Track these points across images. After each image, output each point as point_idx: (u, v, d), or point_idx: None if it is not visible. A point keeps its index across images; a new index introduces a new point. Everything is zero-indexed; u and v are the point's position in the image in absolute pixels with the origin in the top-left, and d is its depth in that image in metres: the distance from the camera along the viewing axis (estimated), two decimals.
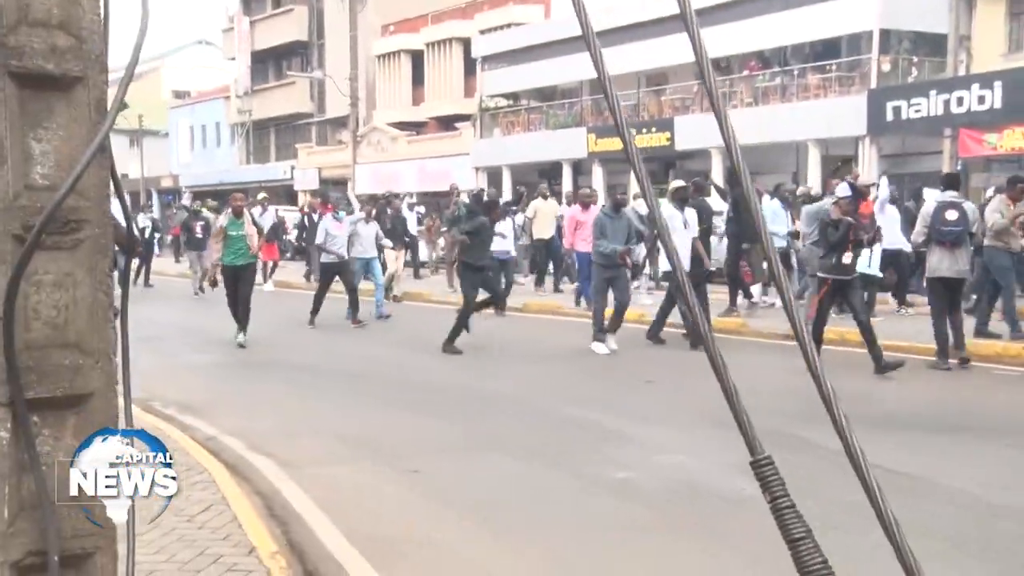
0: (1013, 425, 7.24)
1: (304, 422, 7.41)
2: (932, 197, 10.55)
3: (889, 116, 23.43)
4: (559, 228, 18.08)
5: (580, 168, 31.38)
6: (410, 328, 13.31)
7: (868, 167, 23.27)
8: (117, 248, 5.23)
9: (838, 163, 14.56)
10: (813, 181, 24.01)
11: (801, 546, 1.13)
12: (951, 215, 9.31)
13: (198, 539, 4.43)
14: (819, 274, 9.40)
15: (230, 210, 11.65)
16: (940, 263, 9.30)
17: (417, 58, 38.50)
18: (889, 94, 23.79)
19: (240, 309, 11.37)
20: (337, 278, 13.71)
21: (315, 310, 13.40)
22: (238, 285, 11.37)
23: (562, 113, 33.07)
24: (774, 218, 13.50)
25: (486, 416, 7.64)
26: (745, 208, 12.93)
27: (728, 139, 1.47)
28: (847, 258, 9.09)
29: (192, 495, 5.13)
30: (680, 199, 11.41)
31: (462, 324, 10.93)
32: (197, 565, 4.12)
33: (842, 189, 9.62)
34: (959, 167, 22.87)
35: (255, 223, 11.66)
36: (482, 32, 35.19)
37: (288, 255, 27.48)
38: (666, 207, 11.32)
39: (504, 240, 15.31)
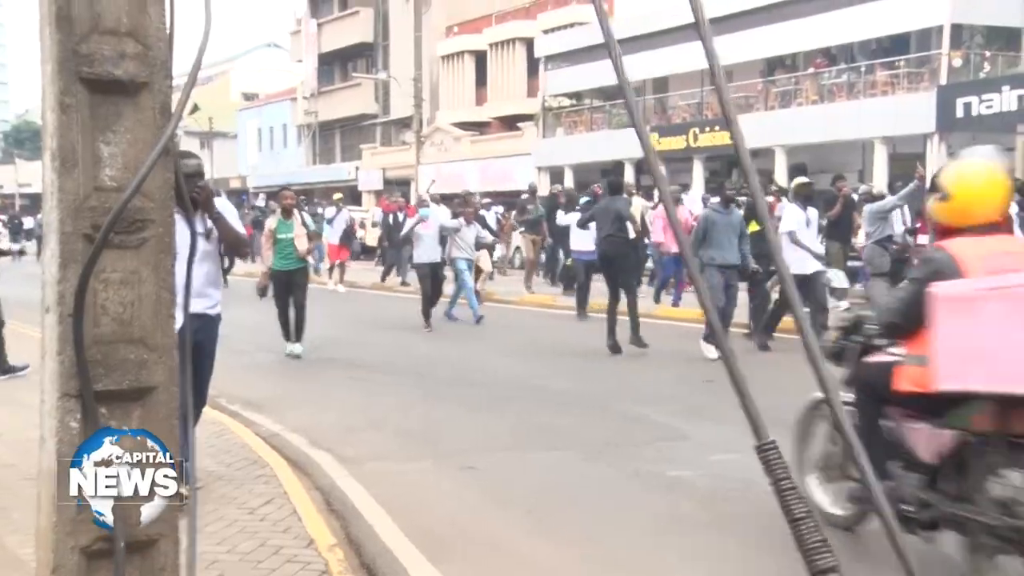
0: None
1: (366, 419, 7.53)
2: None
3: (960, 112, 22.90)
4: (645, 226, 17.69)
5: (642, 167, 31.22)
6: (476, 328, 13.40)
7: (937, 165, 22.78)
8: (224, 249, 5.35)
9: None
10: (880, 180, 23.59)
11: (802, 525, 1.20)
12: None
13: (259, 531, 4.55)
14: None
15: (279, 210, 10.59)
16: None
17: (480, 58, 38.70)
18: (960, 90, 23.24)
19: (295, 317, 10.57)
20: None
21: (426, 312, 13.18)
22: (291, 292, 10.48)
23: (625, 112, 32.98)
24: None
25: (543, 413, 7.68)
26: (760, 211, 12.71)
27: (737, 141, 1.51)
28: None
29: (255, 488, 5.26)
30: (804, 196, 10.94)
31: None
32: (258, 556, 4.22)
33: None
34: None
35: (304, 223, 10.71)
36: (545, 32, 35.23)
37: (360, 255, 27.82)
38: (790, 205, 11.03)
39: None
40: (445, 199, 21.62)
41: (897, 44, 25.56)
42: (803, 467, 4.77)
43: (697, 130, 28.84)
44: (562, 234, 16.54)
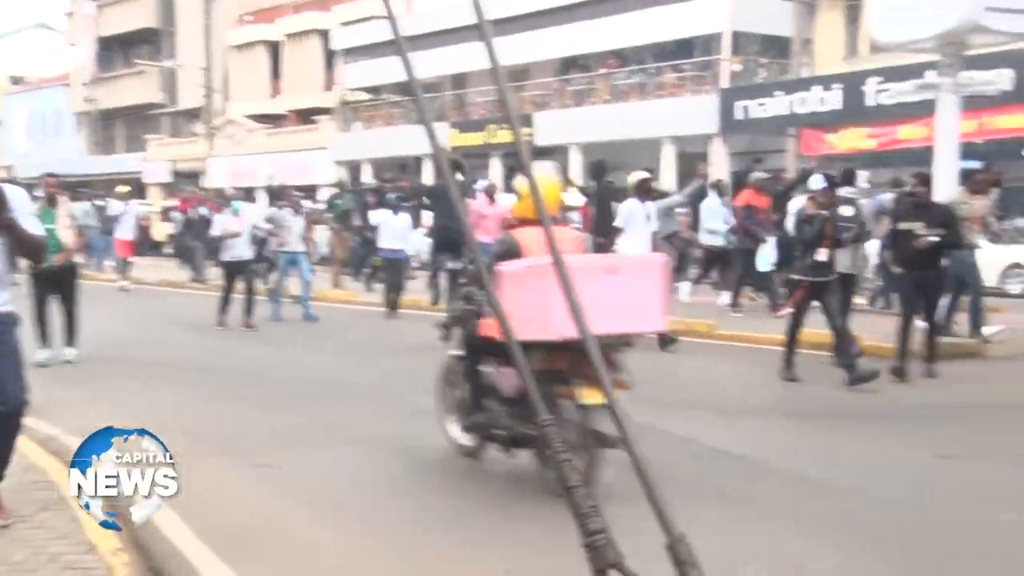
0: (833, 408, 7.71)
1: (152, 420, 7.16)
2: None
3: (739, 115, 24.43)
4: None
5: (516, 162, 31.46)
6: (275, 327, 13.06)
7: (720, 164, 24.19)
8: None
9: (754, 160, 14.79)
10: (669, 178, 24.81)
11: (575, 493, 1.30)
12: (847, 211, 9.33)
13: (34, 539, 4.26)
14: (794, 276, 8.76)
15: (45, 198, 9.22)
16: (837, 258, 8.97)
17: (274, 49, 37.73)
18: (739, 94, 24.80)
19: (66, 320, 9.64)
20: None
21: (223, 309, 12.59)
22: (58, 290, 9.52)
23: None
24: (712, 215, 13.32)
25: (341, 409, 7.61)
26: (601, 204, 13.20)
27: (517, 136, 1.59)
28: (822, 256, 8.44)
29: (29, 495, 4.92)
30: (644, 191, 10.99)
31: None
32: (31, 565, 3.96)
33: (816, 181, 8.85)
34: (803, 165, 24.04)
35: (72, 215, 9.74)
36: (343, 24, 34.77)
37: (148, 250, 26.43)
38: (629, 200, 10.99)
39: None
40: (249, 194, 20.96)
41: (684, 48, 26.95)
42: (444, 412, 6.03)
43: (495, 126, 29.30)
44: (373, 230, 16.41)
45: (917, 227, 8.57)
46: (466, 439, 5.86)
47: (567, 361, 4.85)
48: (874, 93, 21.33)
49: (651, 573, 1.36)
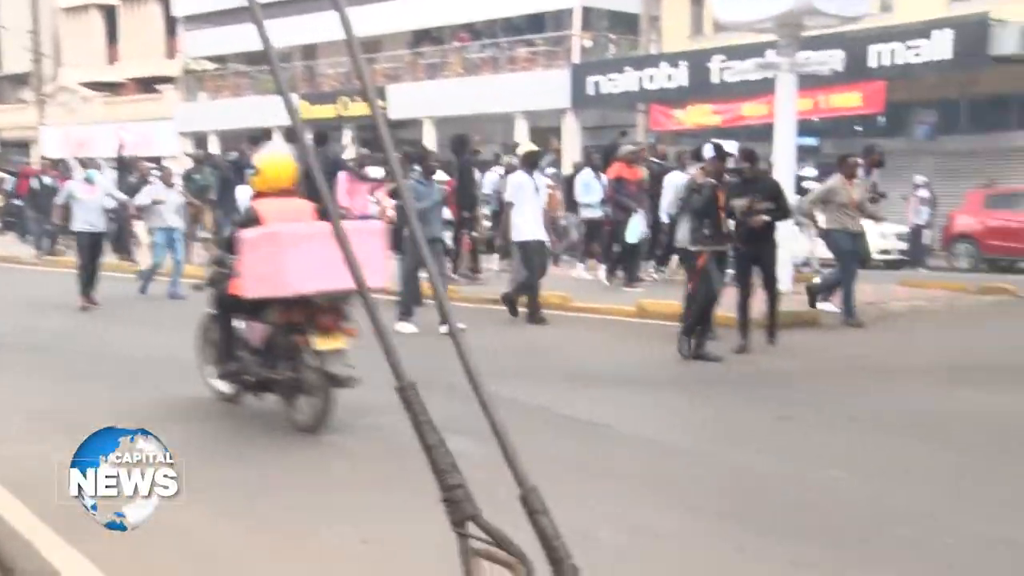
0: (682, 376, 8.04)
1: None
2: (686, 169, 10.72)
3: (590, 90, 24.85)
4: None
5: (293, 136, 30.75)
6: (134, 303, 12.51)
7: (572, 139, 24.63)
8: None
9: (620, 133, 14.64)
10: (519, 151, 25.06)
11: (434, 451, 1.35)
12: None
13: None
14: (692, 247, 8.42)
15: None
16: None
17: (109, 13, 35.93)
18: (590, 69, 25.22)
19: None
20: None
21: (89, 283, 11.76)
22: None
23: (271, 79, 32.22)
24: (587, 189, 13.28)
25: (187, 385, 7.41)
26: (464, 177, 13.21)
27: (375, 111, 1.62)
28: (722, 226, 8.39)
29: None
30: (531, 164, 10.78)
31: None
32: None
33: (707, 150, 8.69)
34: (652, 140, 24.73)
35: None
36: None
37: None
38: (518, 173, 10.83)
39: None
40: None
41: (536, 23, 27.19)
42: (203, 363, 6.70)
43: (347, 99, 28.85)
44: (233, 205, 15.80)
45: (747, 203, 8.61)
46: (224, 387, 6.53)
47: (302, 314, 5.72)
48: (718, 71, 22.05)
49: (506, 524, 1.41)
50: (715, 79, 22.20)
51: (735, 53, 20.28)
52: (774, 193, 8.85)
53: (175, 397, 7.05)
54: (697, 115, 23.69)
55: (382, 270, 6.20)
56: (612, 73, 24.54)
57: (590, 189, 13.33)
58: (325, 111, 28.96)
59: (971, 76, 20.81)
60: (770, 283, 8.92)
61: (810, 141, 20.60)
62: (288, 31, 26.61)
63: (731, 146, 9.06)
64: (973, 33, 19.25)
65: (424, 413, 1.44)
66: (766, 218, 8.59)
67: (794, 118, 12.16)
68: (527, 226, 10.31)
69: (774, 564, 4.01)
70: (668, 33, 25.97)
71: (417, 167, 10.39)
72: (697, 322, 8.32)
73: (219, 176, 17.68)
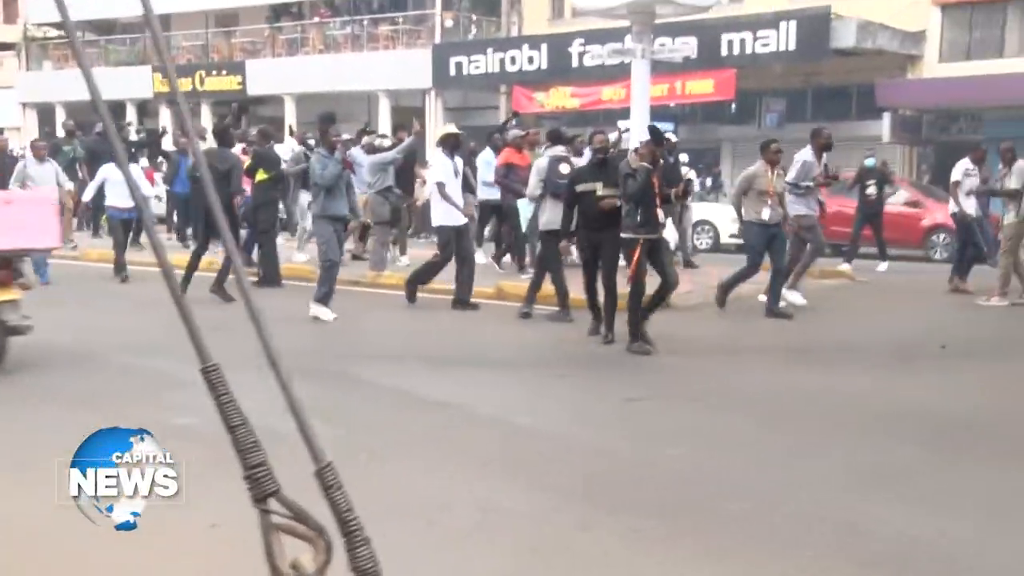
0: (540, 358, 8.18)
1: None
2: (547, 152, 10.44)
3: (452, 71, 24.83)
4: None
5: (146, 109, 29.55)
6: None
7: (434, 119, 24.55)
8: None
9: (511, 116, 13.78)
10: (384, 131, 24.84)
11: (237, 431, 1.37)
12: (564, 169, 9.54)
13: None
14: (626, 234, 8.09)
15: None
16: (555, 216, 9.05)
17: None
18: (452, 50, 25.18)
19: None
20: None
21: None
22: None
23: (123, 49, 30.80)
24: (488, 169, 12.97)
25: (43, 369, 7.09)
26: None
27: (174, 87, 1.58)
28: (657, 214, 8.05)
29: None
30: (451, 146, 10.34)
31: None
32: None
33: (642, 132, 8.36)
34: (514, 122, 24.88)
35: None
36: None
37: None
38: (437, 154, 10.47)
39: None
40: None
41: (397, 1, 26.92)
42: None
43: (203, 72, 27.93)
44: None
45: (596, 187, 8.26)
46: None
47: None
48: (578, 55, 22.39)
49: (307, 499, 1.44)
50: (575, 63, 22.54)
51: (594, 37, 20.64)
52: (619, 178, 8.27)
53: (23, 384, 6.72)
54: (558, 98, 24.01)
55: (53, 232, 7.11)
56: (474, 54, 24.60)
57: (491, 169, 12.95)
58: (181, 84, 27.90)
59: (815, 67, 21.83)
60: (608, 273, 8.41)
61: (667, 126, 21.16)
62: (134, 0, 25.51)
63: (666, 128, 8.59)
64: (816, 26, 20.16)
65: (227, 394, 1.45)
66: (617, 203, 8.17)
67: (647, 103, 12.47)
68: (451, 211, 10.08)
69: (612, 537, 4.14)
70: (529, 16, 26.16)
71: (312, 141, 10.25)
72: (641, 315, 8.04)
73: (90, 150, 16.79)
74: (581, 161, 10.34)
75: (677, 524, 4.32)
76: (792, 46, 20.39)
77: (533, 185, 9.89)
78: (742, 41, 21.02)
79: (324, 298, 9.41)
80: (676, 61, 13.79)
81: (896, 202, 18.03)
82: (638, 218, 7.97)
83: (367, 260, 12.96)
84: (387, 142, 13.67)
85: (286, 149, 14.70)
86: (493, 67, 24.31)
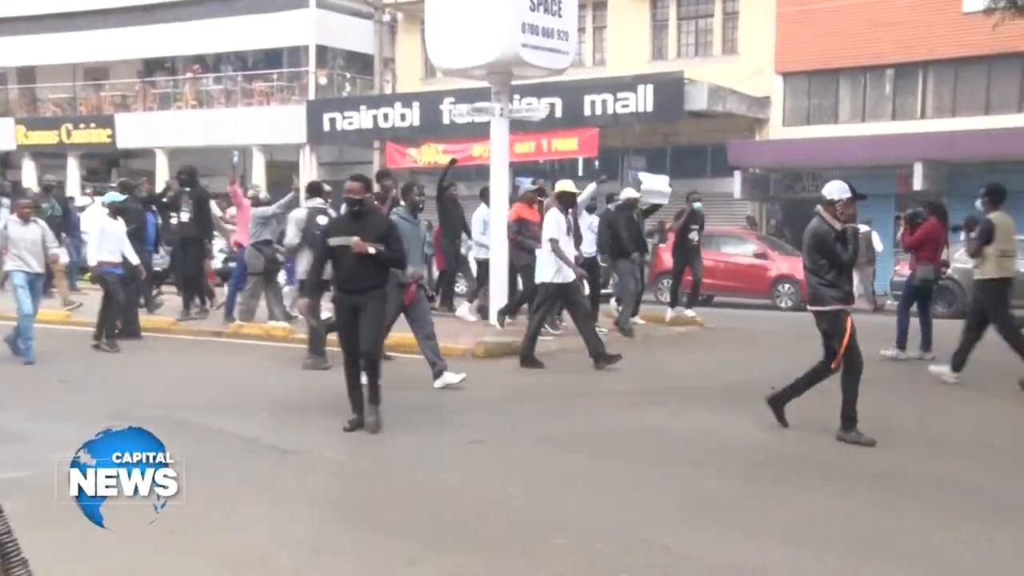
0: (389, 404, 8.21)
1: None
2: (306, 204, 10.34)
3: (326, 127, 24.82)
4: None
5: (8, 162, 28.45)
6: None
7: (308, 174, 24.39)
8: None
9: (603, 176, 12.92)
10: (260, 184, 24.56)
11: None
12: (323, 220, 9.51)
13: None
14: (831, 307, 6.64)
15: None
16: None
17: None
18: (326, 106, 25.20)
19: None
20: None
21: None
22: None
23: None
24: (486, 228, 12.61)
25: None
26: (200, 207, 12.72)
27: None
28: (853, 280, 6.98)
29: None
30: (568, 203, 9.95)
31: None
32: None
33: (839, 189, 6.67)
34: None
35: None
36: None
37: None
38: (552, 212, 9.85)
39: None
40: None
41: (272, 58, 26.84)
42: None
43: (70, 125, 27.12)
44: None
45: (352, 242, 6.80)
46: None
47: None
48: (448, 112, 22.70)
49: None
50: (446, 119, 22.83)
51: (463, 96, 20.98)
52: (383, 233, 6.96)
53: None
54: (429, 154, 24.24)
55: None
56: (348, 111, 24.67)
57: (488, 228, 12.67)
58: (47, 137, 27.09)
59: (672, 127, 22.75)
60: (372, 343, 6.94)
61: (526, 182, 21.59)
62: (3, 51, 24.72)
63: (840, 188, 6.71)
64: (671, 89, 21.07)
65: None
66: (372, 251, 6.78)
67: (507, 159, 12.75)
68: (563, 269, 9.75)
69: (435, 574, 4.20)
70: (402, 75, 26.46)
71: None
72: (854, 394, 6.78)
73: (64, 207, 16.00)
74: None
75: (501, 559, 4.40)
76: (650, 107, 21.20)
77: (291, 235, 9.88)
78: (604, 102, 21.73)
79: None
80: (535, 120, 14.16)
81: (746, 254, 18.87)
82: (845, 286, 6.73)
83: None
84: (263, 194, 13.28)
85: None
86: (366, 123, 24.42)
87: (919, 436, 7.07)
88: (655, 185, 13.20)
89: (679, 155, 23.95)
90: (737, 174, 22.00)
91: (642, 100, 21.29)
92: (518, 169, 22.20)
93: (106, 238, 10.99)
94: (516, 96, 18.89)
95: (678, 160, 23.99)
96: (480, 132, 20.34)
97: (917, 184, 20.24)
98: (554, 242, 9.65)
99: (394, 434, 7.02)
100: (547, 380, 9.32)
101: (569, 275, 9.75)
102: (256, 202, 12.62)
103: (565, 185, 10.19)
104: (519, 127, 18.50)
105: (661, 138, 23.50)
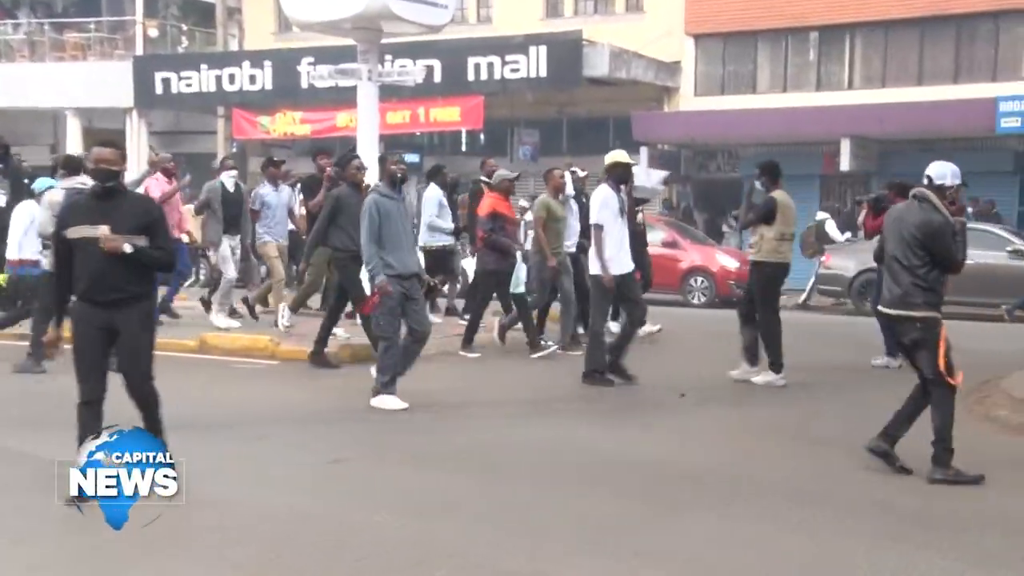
0: (230, 418, 8.16)
1: None
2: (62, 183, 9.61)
3: (158, 88, 24.26)
4: None
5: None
6: None
7: (137, 145, 23.82)
8: None
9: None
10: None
11: None
12: None
13: None
14: (929, 312, 6.47)
15: None
16: None
17: None
18: (157, 63, 24.63)
19: None
20: None
21: None
22: None
23: None
24: (440, 209, 12.42)
25: None
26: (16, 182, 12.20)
27: None
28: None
29: None
30: (620, 179, 9.58)
31: None
32: None
33: (952, 172, 6.63)
34: (234, 148, 24.64)
35: None
36: None
37: None
38: (601, 189, 9.49)
39: None
40: None
41: (88, 4, 26.05)
42: None
43: None
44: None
45: (101, 233, 5.57)
46: None
47: None
48: (307, 75, 22.41)
49: None
50: (304, 83, 22.57)
51: (325, 56, 20.76)
52: (143, 222, 5.76)
53: None
54: (285, 123, 24.01)
55: None
56: (185, 70, 24.15)
57: (444, 210, 12.45)
58: None
59: (569, 96, 23.08)
60: (139, 378, 5.82)
61: (412, 158, 21.61)
62: None
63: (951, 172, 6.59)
64: (567, 52, 21.37)
65: None
66: (128, 248, 5.59)
67: (376, 131, 12.76)
68: (617, 257, 9.44)
69: None
70: (251, 29, 26.09)
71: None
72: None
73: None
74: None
75: None
76: (543, 72, 21.44)
77: (45, 222, 8.97)
78: (490, 65, 21.88)
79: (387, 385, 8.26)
80: (409, 85, 14.20)
81: (653, 243, 19.27)
82: (940, 290, 6.59)
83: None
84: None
85: None
86: (208, 85, 23.95)
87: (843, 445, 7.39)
88: (648, 183, 12.91)
89: (577, 128, 24.33)
90: (643, 151, 22.45)
91: (534, 64, 21.52)
92: (390, 143, 22.22)
93: None
94: (387, 57, 18.89)
95: (576, 134, 24.36)
96: (345, 99, 20.21)
97: (844, 164, 21.04)
98: (597, 229, 9.30)
99: (245, 453, 6.98)
100: (428, 388, 9.39)
101: (624, 264, 9.42)
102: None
103: (617, 156, 9.68)
104: (391, 94, 18.52)
105: (556, 108, 23.83)
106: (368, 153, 12.42)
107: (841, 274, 16.93)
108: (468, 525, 5.48)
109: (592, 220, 9.43)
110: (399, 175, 8.46)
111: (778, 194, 9.54)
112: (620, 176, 9.53)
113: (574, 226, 11.44)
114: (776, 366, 9.48)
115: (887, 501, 5.99)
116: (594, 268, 9.43)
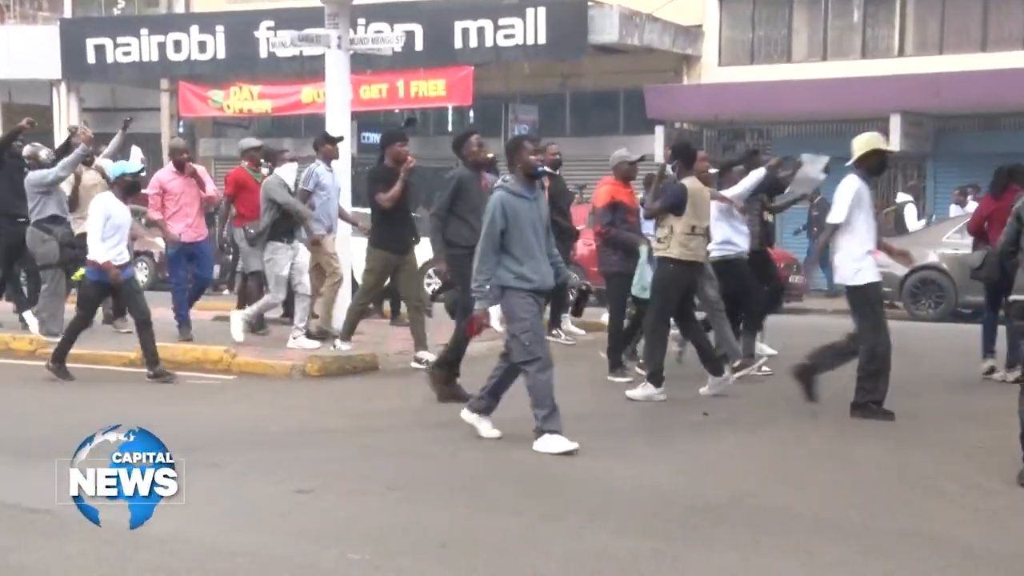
0: (178, 437, 8.22)
1: None
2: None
3: (91, 57, 24.30)
4: None
5: None
6: None
7: (65, 122, 23.88)
8: None
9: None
10: None
11: None
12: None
13: None
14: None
15: None
16: None
17: None
18: (89, 28, 24.69)
19: None
20: None
21: None
22: None
23: None
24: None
25: None
26: None
27: None
28: None
29: None
30: (876, 170, 9.55)
31: None
32: None
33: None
34: (181, 129, 24.69)
35: None
36: None
37: None
38: (850, 180, 9.19)
39: None
40: None
41: None
42: None
43: None
44: None
45: None
46: None
47: None
48: (266, 41, 22.45)
49: None
50: (263, 52, 22.65)
51: (286, 20, 20.84)
52: None
53: None
54: (241, 99, 24.08)
55: None
56: (123, 36, 24.19)
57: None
58: None
59: (573, 67, 23.14)
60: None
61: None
62: None
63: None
64: (570, 15, 21.43)
65: None
66: None
67: (348, 108, 12.83)
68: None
69: None
70: None
71: None
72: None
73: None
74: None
75: None
76: (542, 39, 21.52)
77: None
78: (480, 31, 21.97)
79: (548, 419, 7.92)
80: (386, 54, 14.25)
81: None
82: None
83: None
84: (45, 152, 12.70)
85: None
86: (150, 54, 24.03)
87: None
88: (810, 171, 12.43)
89: (581, 104, 24.41)
90: (659, 130, 22.53)
91: (532, 29, 21.60)
92: (364, 121, 22.28)
93: None
94: (361, 21, 18.98)
95: (580, 111, 24.44)
96: (311, 70, 20.32)
97: (894, 143, 21.04)
98: (833, 228, 9.13)
99: (198, 483, 7.03)
100: (406, 407, 9.45)
101: (871, 272, 9.15)
102: (36, 163, 12.28)
103: (873, 141, 9.36)
104: (365, 64, 18.59)
105: (558, 81, 23.89)
106: (340, 129, 12.42)
107: (890, 272, 16.91)
108: (453, 566, 5.54)
109: (835, 218, 9.08)
110: (537, 167, 8.00)
111: (689, 182, 9.65)
112: (874, 166, 9.26)
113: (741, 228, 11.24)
114: (656, 378, 9.72)
115: (944, 535, 6.05)
116: (849, 278, 9.11)
